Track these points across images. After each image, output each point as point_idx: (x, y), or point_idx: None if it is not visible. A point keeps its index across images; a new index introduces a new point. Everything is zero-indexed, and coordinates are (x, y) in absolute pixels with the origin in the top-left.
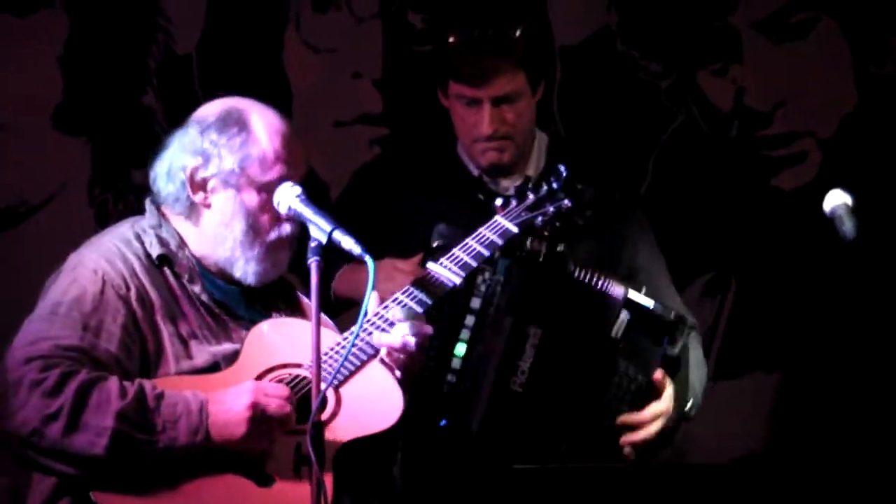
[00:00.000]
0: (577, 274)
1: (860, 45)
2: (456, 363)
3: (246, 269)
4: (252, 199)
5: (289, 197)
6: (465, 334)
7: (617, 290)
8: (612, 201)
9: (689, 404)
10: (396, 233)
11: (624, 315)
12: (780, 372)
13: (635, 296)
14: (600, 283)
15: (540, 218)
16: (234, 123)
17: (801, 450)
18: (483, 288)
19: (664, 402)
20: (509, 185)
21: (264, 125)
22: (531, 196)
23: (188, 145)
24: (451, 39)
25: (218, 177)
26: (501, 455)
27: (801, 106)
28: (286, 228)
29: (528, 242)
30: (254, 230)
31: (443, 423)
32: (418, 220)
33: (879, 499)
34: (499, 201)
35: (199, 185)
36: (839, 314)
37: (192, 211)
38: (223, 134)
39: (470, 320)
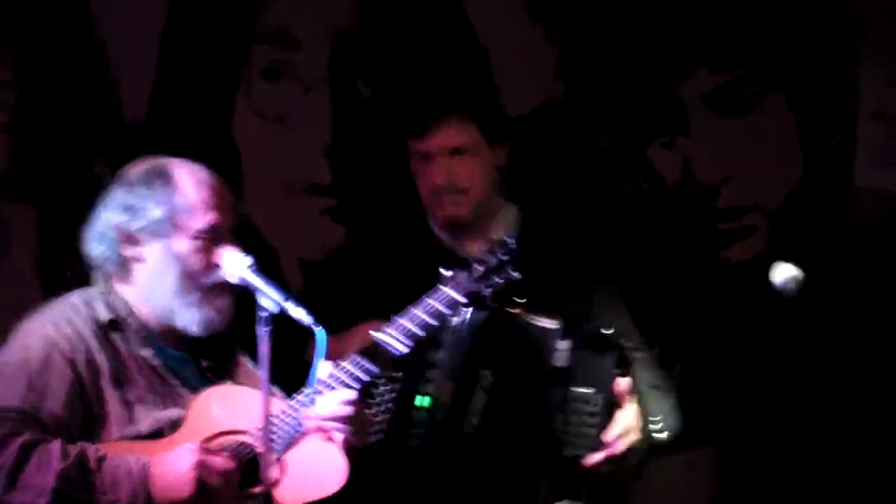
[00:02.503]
0: (523, 317)
1: (807, 118)
2: (418, 416)
3: (187, 316)
4: (183, 246)
5: (239, 267)
6: (430, 388)
7: (550, 323)
8: (574, 274)
9: (656, 428)
10: (370, 309)
11: (563, 344)
12: (723, 446)
13: (569, 324)
14: (534, 320)
15: (488, 290)
16: (158, 177)
17: None
18: (447, 342)
19: (630, 414)
20: (478, 249)
21: (188, 175)
22: (478, 268)
23: (115, 204)
24: (405, 98)
25: (147, 229)
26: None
27: (748, 179)
28: (220, 276)
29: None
30: (187, 276)
31: (405, 473)
32: (390, 295)
33: None
34: (446, 272)
35: (130, 240)
36: (786, 384)
37: (125, 269)
38: (148, 187)
39: (433, 373)
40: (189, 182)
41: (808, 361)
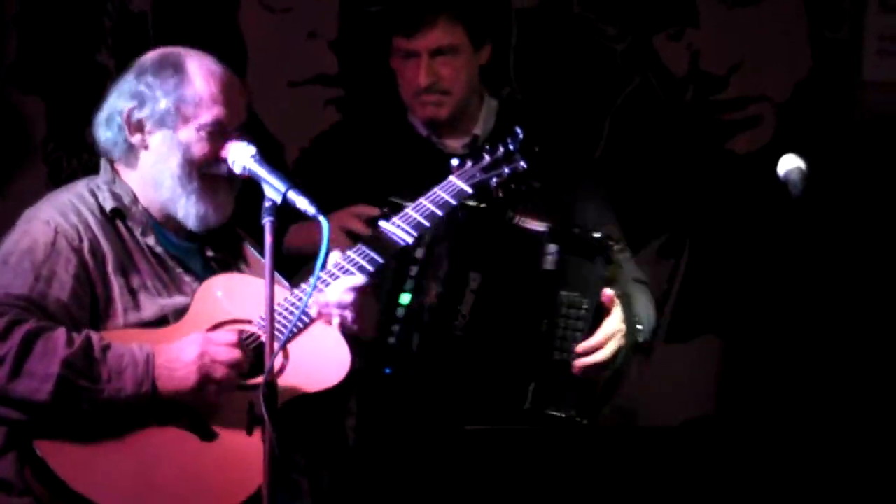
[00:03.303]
0: (512, 220)
1: (816, 9)
2: (401, 312)
3: (187, 208)
4: (188, 137)
5: (243, 156)
6: (409, 284)
7: (539, 225)
8: (564, 167)
9: (639, 329)
10: (353, 195)
11: (552, 247)
12: (730, 336)
13: (557, 228)
14: (523, 223)
15: (495, 179)
16: (170, 66)
17: (751, 413)
18: (427, 238)
19: (616, 319)
20: (457, 145)
21: (200, 68)
22: (486, 157)
23: (125, 90)
24: None
25: (153, 117)
26: (454, 405)
27: (756, 70)
28: (224, 168)
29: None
30: (189, 164)
31: (387, 370)
32: (372, 184)
33: (828, 464)
34: (454, 161)
35: (135, 127)
36: (790, 278)
37: (131, 155)
38: (158, 76)
39: (414, 270)
40: (200, 74)
41: (813, 253)
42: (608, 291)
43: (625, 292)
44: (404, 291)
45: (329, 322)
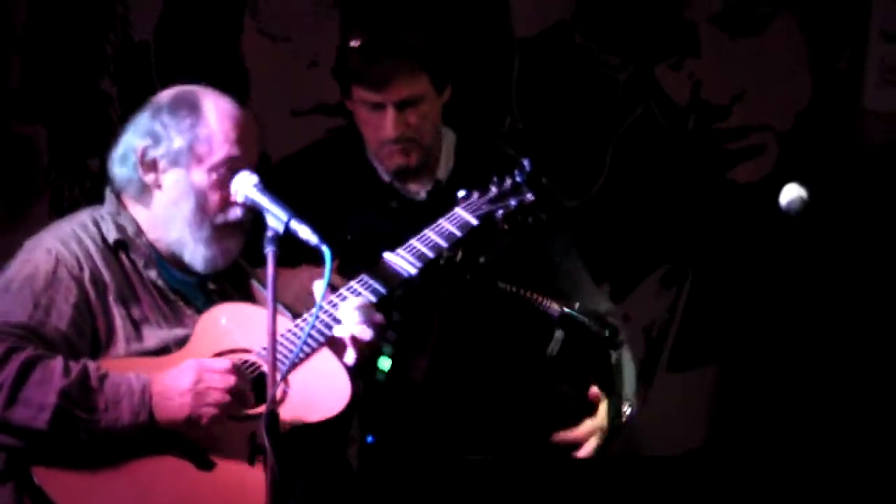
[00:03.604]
0: (508, 289)
1: (817, 39)
2: (380, 377)
3: (195, 252)
4: (201, 179)
5: (245, 185)
6: (387, 349)
7: (552, 306)
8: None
9: (626, 412)
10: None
11: (558, 333)
12: (729, 366)
13: (570, 312)
14: (534, 299)
15: (501, 211)
16: (186, 106)
17: (749, 444)
18: (404, 302)
19: (599, 418)
20: (419, 189)
21: (215, 108)
22: (493, 189)
23: (140, 128)
24: (351, 44)
25: (167, 157)
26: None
27: (758, 99)
28: (236, 212)
29: (445, 253)
30: (202, 210)
31: (370, 440)
32: (330, 229)
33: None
34: (461, 193)
35: (149, 166)
36: (791, 307)
37: (144, 193)
38: (174, 116)
39: (391, 334)
40: (215, 113)
41: (814, 283)
42: (595, 390)
43: (620, 386)
44: (383, 355)
45: (342, 345)
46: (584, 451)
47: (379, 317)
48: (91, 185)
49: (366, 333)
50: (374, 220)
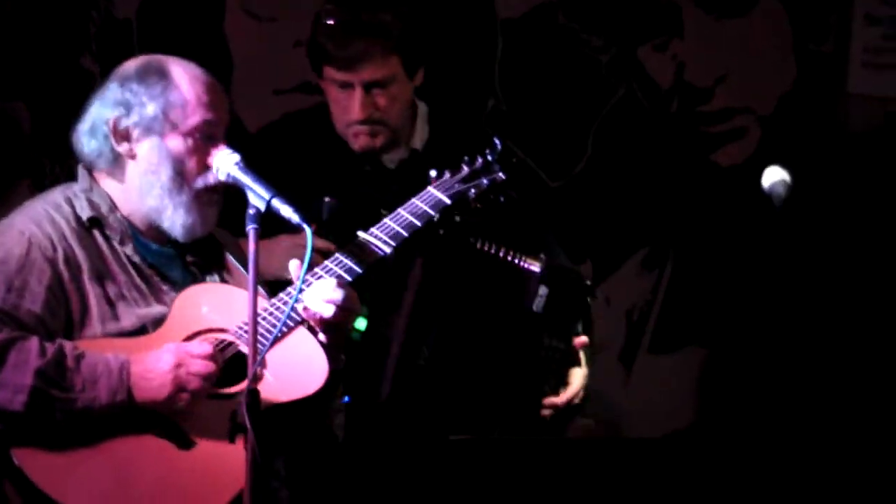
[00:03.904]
0: (485, 248)
1: (801, 21)
2: (355, 337)
3: (174, 219)
4: (177, 144)
5: (227, 163)
6: (364, 309)
7: (534, 265)
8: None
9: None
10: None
11: (543, 289)
12: (711, 347)
13: (555, 266)
14: (515, 259)
15: (473, 190)
16: (154, 73)
17: (733, 426)
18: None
19: (584, 365)
20: (394, 158)
21: (184, 73)
22: (465, 168)
23: (109, 99)
24: (325, 21)
25: (140, 124)
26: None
27: (741, 82)
28: (212, 178)
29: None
30: (181, 175)
31: (346, 399)
32: (307, 194)
33: (814, 476)
34: (433, 172)
35: (122, 135)
36: (774, 289)
37: (117, 165)
38: (143, 83)
39: (367, 295)
40: (184, 79)
41: (796, 265)
42: (582, 338)
43: (593, 333)
44: (360, 316)
45: (316, 321)
46: (570, 394)
47: (342, 295)
48: (74, 163)
49: (328, 311)
50: (352, 182)
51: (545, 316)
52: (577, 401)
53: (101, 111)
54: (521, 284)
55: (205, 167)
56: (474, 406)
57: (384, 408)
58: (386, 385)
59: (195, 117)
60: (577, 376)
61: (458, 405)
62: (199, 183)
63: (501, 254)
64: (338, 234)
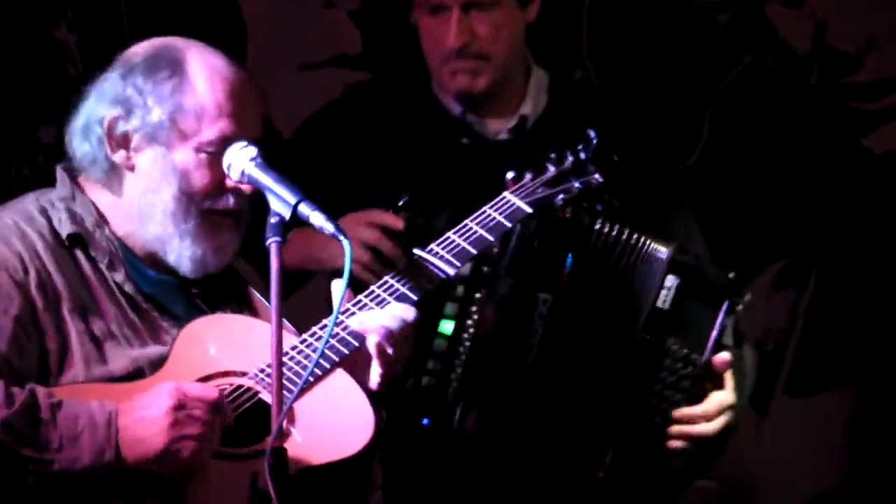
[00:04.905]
0: (603, 228)
1: None
2: (440, 344)
3: (180, 251)
4: (186, 159)
5: (241, 160)
6: (452, 308)
7: (660, 248)
8: (649, 180)
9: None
10: (360, 191)
11: (671, 280)
12: (864, 387)
13: (683, 256)
14: (638, 239)
15: (561, 196)
16: (166, 65)
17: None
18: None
19: (729, 391)
20: (500, 127)
21: (204, 68)
22: (551, 168)
23: (107, 93)
24: None
25: (142, 131)
26: (509, 466)
27: None
28: (230, 201)
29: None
30: (187, 196)
31: (425, 421)
32: (388, 176)
33: None
34: (510, 174)
35: (119, 142)
36: None
37: (113, 176)
38: (150, 78)
39: (459, 289)
40: (204, 76)
41: None
42: (724, 354)
43: (741, 359)
44: (446, 317)
45: (362, 365)
46: (712, 428)
47: (393, 329)
48: (44, 161)
49: (387, 348)
50: (441, 164)
51: (672, 314)
52: (713, 429)
53: (96, 107)
54: (642, 271)
55: (220, 189)
56: (580, 427)
57: (473, 435)
58: (474, 402)
59: (212, 130)
60: (716, 398)
61: (563, 423)
62: (208, 204)
63: (615, 231)
64: (416, 234)
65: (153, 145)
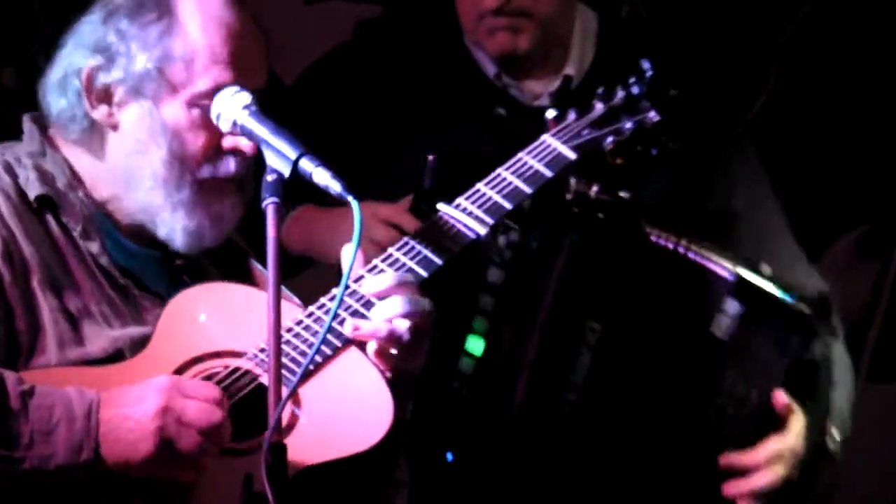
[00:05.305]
0: (660, 241)
1: None
2: (467, 366)
3: (173, 223)
4: (177, 115)
5: (233, 108)
6: (480, 324)
7: (723, 267)
8: (705, 121)
9: (834, 438)
10: (376, 161)
11: (733, 306)
12: None
13: (750, 276)
14: (698, 257)
15: (611, 137)
16: (153, 6)
17: None
18: (507, 254)
19: (790, 437)
20: (541, 90)
21: (197, 8)
22: (599, 105)
23: (86, 39)
24: None
25: (126, 83)
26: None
27: None
28: (230, 165)
29: (574, 184)
30: (179, 161)
31: (449, 457)
32: (409, 143)
33: None
34: (550, 113)
35: (99, 96)
36: None
37: (94, 135)
38: (135, 21)
39: (487, 301)
40: (197, 18)
41: None
42: (783, 397)
43: (827, 396)
44: (474, 333)
45: (381, 341)
46: (763, 481)
47: (427, 303)
48: (4, 110)
49: (400, 331)
50: (473, 132)
51: (732, 347)
52: (773, 477)
53: (73, 56)
54: (699, 294)
55: (217, 151)
56: (623, 475)
57: (506, 476)
58: (506, 439)
59: (205, 80)
60: (772, 445)
61: (602, 475)
62: (206, 171)
63: (678, 247)
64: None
65: (139, 99)
